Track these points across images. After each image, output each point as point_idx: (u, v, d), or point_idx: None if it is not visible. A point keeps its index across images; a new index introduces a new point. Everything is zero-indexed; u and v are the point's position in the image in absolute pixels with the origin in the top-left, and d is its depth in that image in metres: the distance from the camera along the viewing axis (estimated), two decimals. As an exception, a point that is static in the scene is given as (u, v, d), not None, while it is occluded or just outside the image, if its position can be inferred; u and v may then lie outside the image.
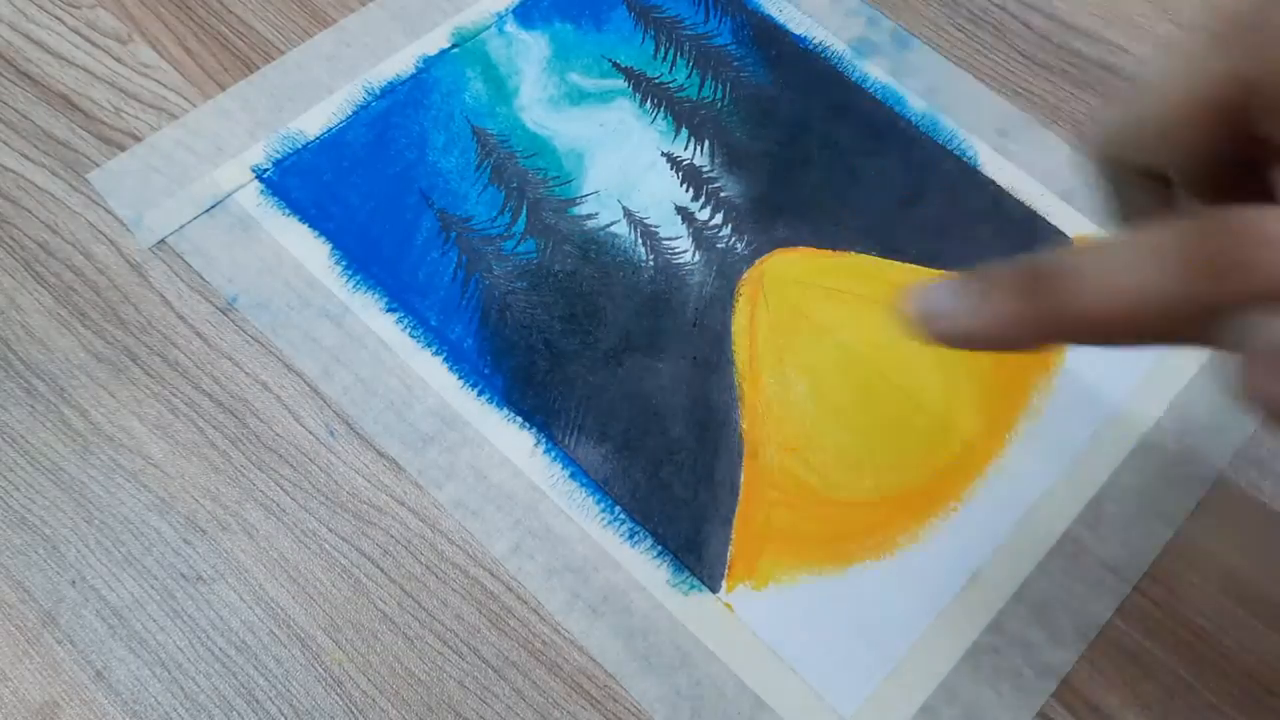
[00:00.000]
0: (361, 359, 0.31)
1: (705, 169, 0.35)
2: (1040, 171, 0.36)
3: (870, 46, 0.38)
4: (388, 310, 0.32)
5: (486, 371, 0.31)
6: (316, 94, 0.36)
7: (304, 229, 0.33)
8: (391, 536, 0.29)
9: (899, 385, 0.32)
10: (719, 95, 0.37)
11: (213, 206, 0.33)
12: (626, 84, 0.37)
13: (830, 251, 0.34)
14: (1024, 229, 0.35)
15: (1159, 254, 0.18)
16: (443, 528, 0.29)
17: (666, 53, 0.38)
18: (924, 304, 0.21)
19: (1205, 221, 0.17)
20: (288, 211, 0.33)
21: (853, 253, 0.34)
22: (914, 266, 0.34)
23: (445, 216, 0.34)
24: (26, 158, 0.34)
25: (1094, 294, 0.19)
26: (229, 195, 0.34)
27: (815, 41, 0.38)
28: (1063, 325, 0.19)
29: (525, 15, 0.38)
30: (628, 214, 0.34)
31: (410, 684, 0.27)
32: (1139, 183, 0.21)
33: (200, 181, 0.34)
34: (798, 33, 0.38)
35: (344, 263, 0.33)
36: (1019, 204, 0.35)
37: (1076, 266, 0.19)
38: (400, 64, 0.37)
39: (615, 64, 0.37)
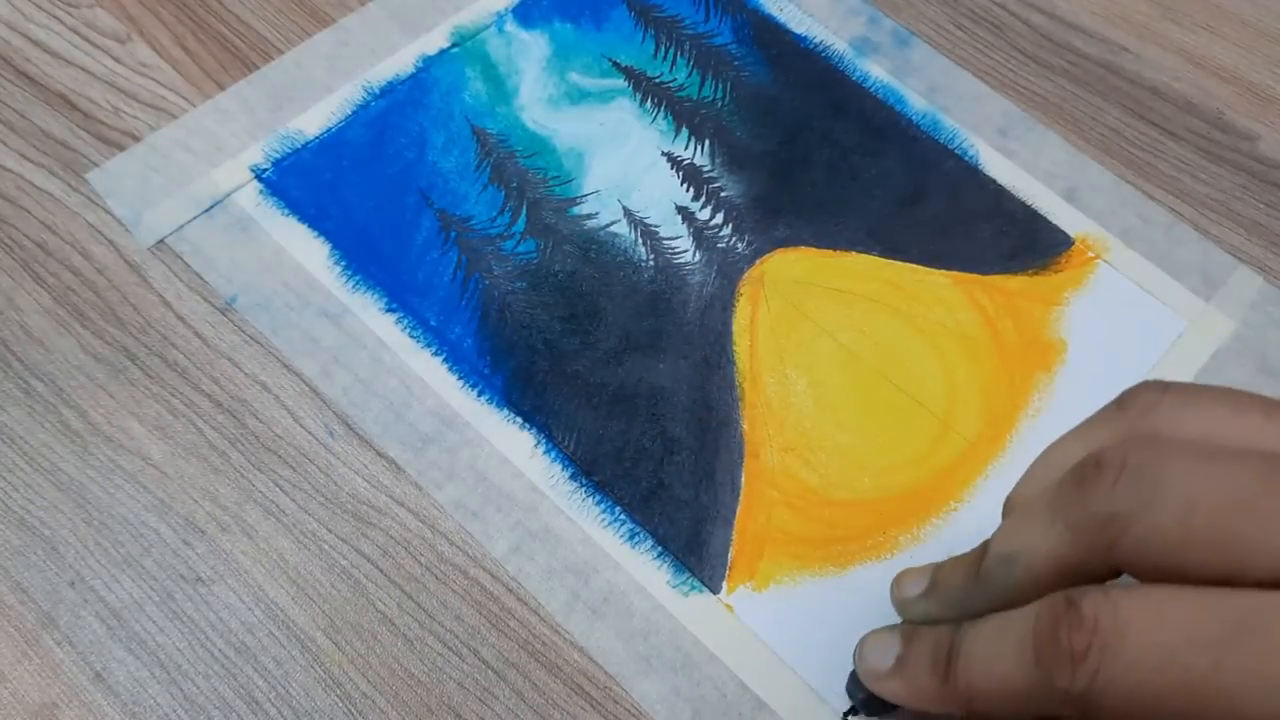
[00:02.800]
0: (361, 359, 0.31)
1: (705, 169, 0.35)
2: (1041, 170, 0.36)
3: (871, 45, 0.38)
4: (387, 310, 0.32)
5: (486, 372, 0.31)
6: (315, 94, 0.36)
7: (303, 229, 0.33)
8: (391, 537, 0.29)
9: (900, 385, 0.32)
10: (719, 95, 0.37)
11: (212, 206, 0.33)
12: (626, 83, 0.37)
13: (831, 251, 0.34)
14: (1024, 228, 0.35)
15: (1018, 639, 0.20)
16: (442, 529, 0.29)
17: (667, 52, 0.38)
18: (864, 663, 0.25)
19: (1050, 607, 0.20)
20: (287, 211, 0.33)
21: (853, 252, 0.34)
22: (914, 266, 0.34)
23: (445, 216, 0.34)
24: (25, 157, 0.34)
25: (976, 674, 0.22)
26: (228, 195, 0.34)
27: (816, 41, 0.38)
28: (960, 700, 0.22)
29: (525, 14, 0.38)
30: (628, 214, 0.34)
31: (410, 685, 0.27)
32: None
33: (199, 181, 0.34)
34: (798, 32, 0.38)
35: (343, 263, 0.33)
36: (1020, 203, 0.35)
37: (966, 648, 0.22)
38: (400, 64, 0.37)
39: (615, 63, 0.37)
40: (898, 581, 0.26)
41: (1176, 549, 0.19)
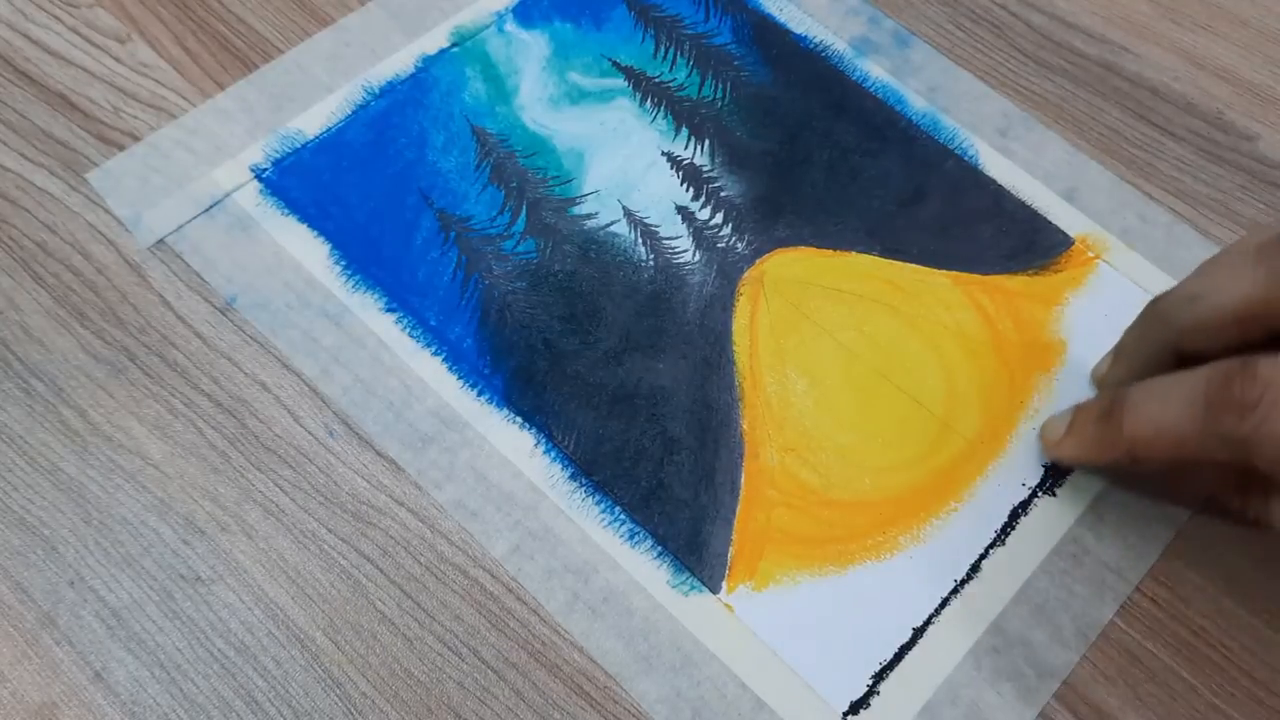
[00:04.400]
0: (361, 359, 0.31)
1: (705, 168, 0.35)
2: (1041, 170, 0.36)
3: (871, 45, 0.38)
4: (387, 310, 0.32)
5: (486, 371, 0.31)
6: (316, 93, 0.36)
7: (303, 229, 0.33)
8: (391, 537, 0.29)
9: (900, 385, 0.32)
10: (719, 94, 0.37)
11: (211, 206, 0.33)
12: (626, 83, 0.37)
13: (831, 251, 0.34)
14: (1025, 228, 0.35)
15: (1186, 391, 0.23)
16: (442, 528, 0.29)
17: (666, 52, 0.38)
18: (1044, 435, 0.30)
19: (1225, 367, 0.23)
20: (287, 211, 0.33)
21: (853, 252, 0.34)
22: (915, 266, 0.34)
23: (445, 216, 0.34)
24: (25, 157, 0.34)
25: (1141, 422, 0.25)
26: (228, 195, 0.34)
27: (816, 40, 0.38)
28: (1123, 447, 0.26)
29: (525, 14, 0.38)
30: (628, 214, 0.34)
31: (410, 685, 0.27)
32: (1166, 357, 0.26)
33: (199, 181, 0.34)
34: (798, 32, 0.38)
35: (343, 263, 0.33)
36: (1020, 203, 0.35)
37: (1133, 400, 0.25)
38: (399, 63, 0.37)
39: (615, 63, 0.37)
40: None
41: None
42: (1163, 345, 0.26)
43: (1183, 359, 0.25)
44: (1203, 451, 0.23)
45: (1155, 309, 0.26)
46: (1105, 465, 0.28)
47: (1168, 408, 0.24)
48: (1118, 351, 0.29)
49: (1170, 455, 0.24)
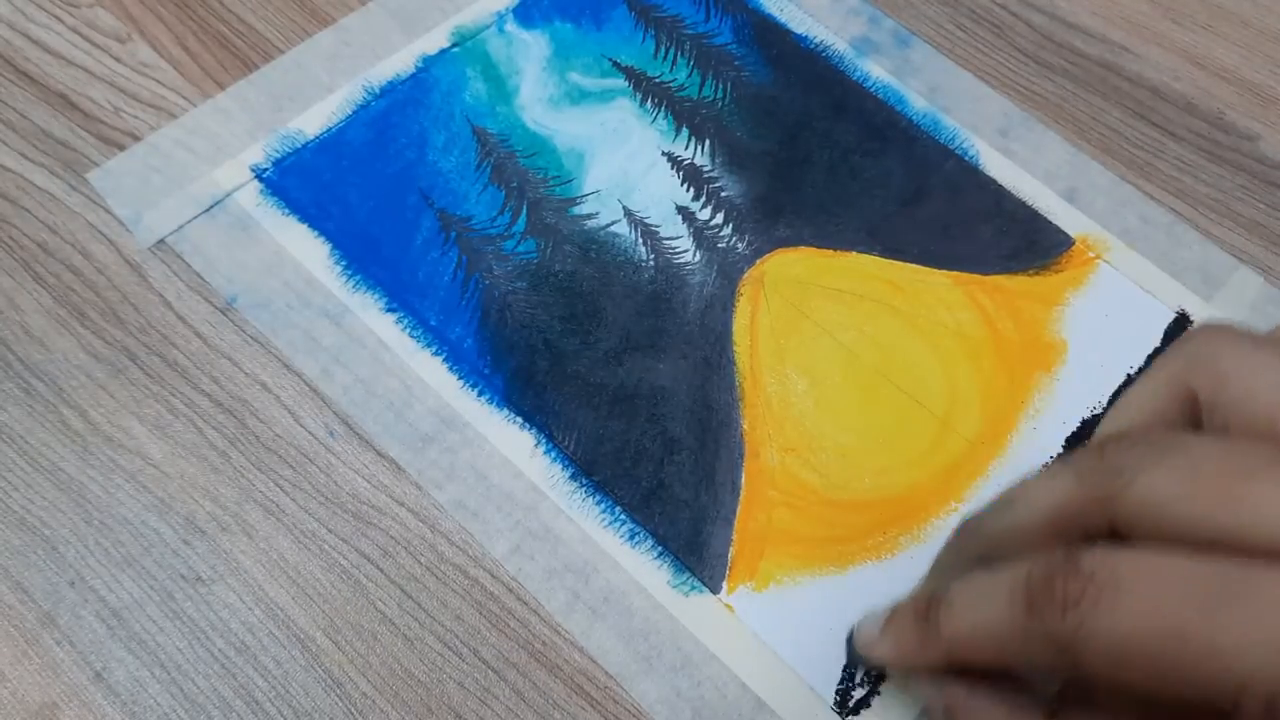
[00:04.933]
0: (361, 359, 0.31)
1: (706, 168, 0.35)
2: (1041, 171, 0.36)
3: (871, 45, 0.38)
4: (387, 310, 0.32)
5: (486, 371, 0.31)
6: (316, 93, 0.36)
7: (303, 229, 0.33)
8: (391, 537, 0.29)
9: (900, 385, 0.32)
10: (720, 94, 0.37)
11: (212, 206, 0.33)
12: (627, 83, 0.37)
13: (831, 251, 0.34)
14: (1025, 228, 0.35)
15: (1001, 588, 0.21)
16: (442, 528, 0.29)
17: (667, 52, 0.38)
18: (858, 636, 0.26)
19: (1046, 560, 0.20)
20: (287, 211, 0.33)
21: (854, 252, 0.34)
22: (915, 266, 0.34)
23: (445, 216, 0.34)
24: (25, 157, 0.34)
25: (959, 621, 0.22)
26: (228, 195, 0.34)
27: (816, 40, 0.38)
28: (941, 647, 0.23)
29: (525, 14, 0.38)
30: (628, 214, 0.34)
31: (410, 685, 0.27)
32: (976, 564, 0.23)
33: (200, 181, 0.34)
34: (798, 32, 0.38)
35: (344, 263, 0.33)
36: (1020, 203, 0.35)
37: (950, 597, 0.23)
38: (400, 63, 0.37)
39: (615, 63, 0.37)
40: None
41: (1175, 505, 0.19)
42: (975, 558, 0.23)
43: None
44: (1025, 653, 0.21)
45: (966, 523, 0.24)
46: (924, 668, 0.24)
47: (987, 604, 0.21)
48: (931, 570, 0.26)
49: (991, 658, 0.22)
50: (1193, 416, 0.22)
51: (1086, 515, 0.21)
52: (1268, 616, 0.18)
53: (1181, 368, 0.22)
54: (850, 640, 0.26)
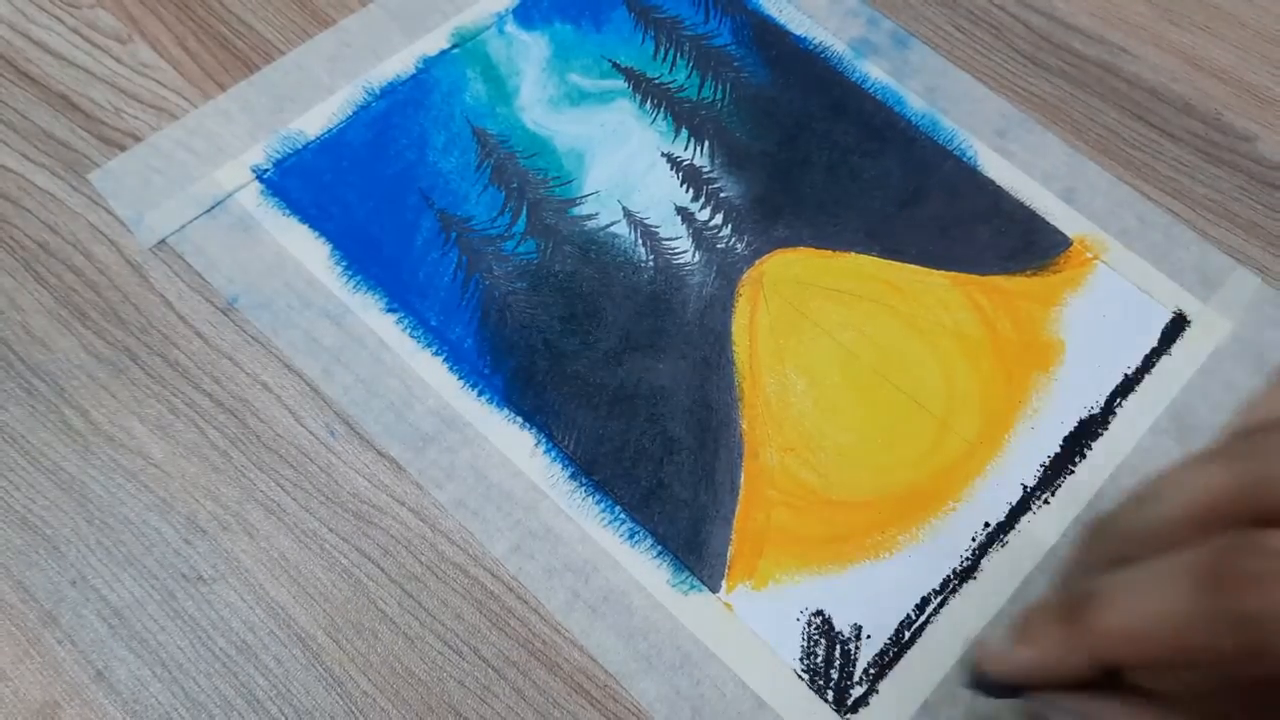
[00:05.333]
0: (362, 359, 0.31)
1: (705, 169, 0.35)
2: (1039, 171, 0.36)
3: (870, 47, 0.38)
4: (388, 310, 0.32)
5: (486, 371, 0.31)
6: (316, 94, 0.36)
7: (304, 229, 0.33)
8: (392, 536, 0.29)
9: (899, 385, 0.32)
10: (719, 95, 0.37)
11: (213, 207, 0.33)
12: (626, 84, 0.37)
13: (830, 251, 0.34)
14: (1023, 228, 0.35)
15: (1175, 574, 0.20)
16: (443, 528, 0.29)
17: (666, 53, 0.38)
18: (987, 658, 0.23)
19: (1222, 542, 0.19)
20: (288, 212, 0.34)
21: (852, 253, 0.34)
22: (913, 266, 0.34)
23: (445, 217, 0.34)
24: (27, 158, 0.34)
25: (1120, 614, 0.20)
26: (229, 195, 0.34)
27: (815, 42, 0.38)
28: (1094, 648, 0.21)
29: (525, 16, 0.38)
30: (628, 214, 0.34)
31: (410, 683, 0.27)
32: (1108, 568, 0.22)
33: (200, 182, 0.34)
34: (797, 33, 0.38)
35: (344, 263, 0.33)
36: (1018, 204, 0.35)
37: (1105, 591, 0.21)
38: (400, 64, 0.37)
39: (615, 64, 0.37)
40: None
41: None
42: (1112, 559, 0.22)
43: None
44: (1206, 638, 0.19)
45: (1098, 522, 0.23)
46: (1067, 679, 0.22)
47: (1153, 593, 0.20)
48: (1061, 582, 0.24)
49: (1159, 651, 0.20)
50: None
51: (1240, 505, 0.20)
52: None
53: None
54: (975, 665, 0.24)
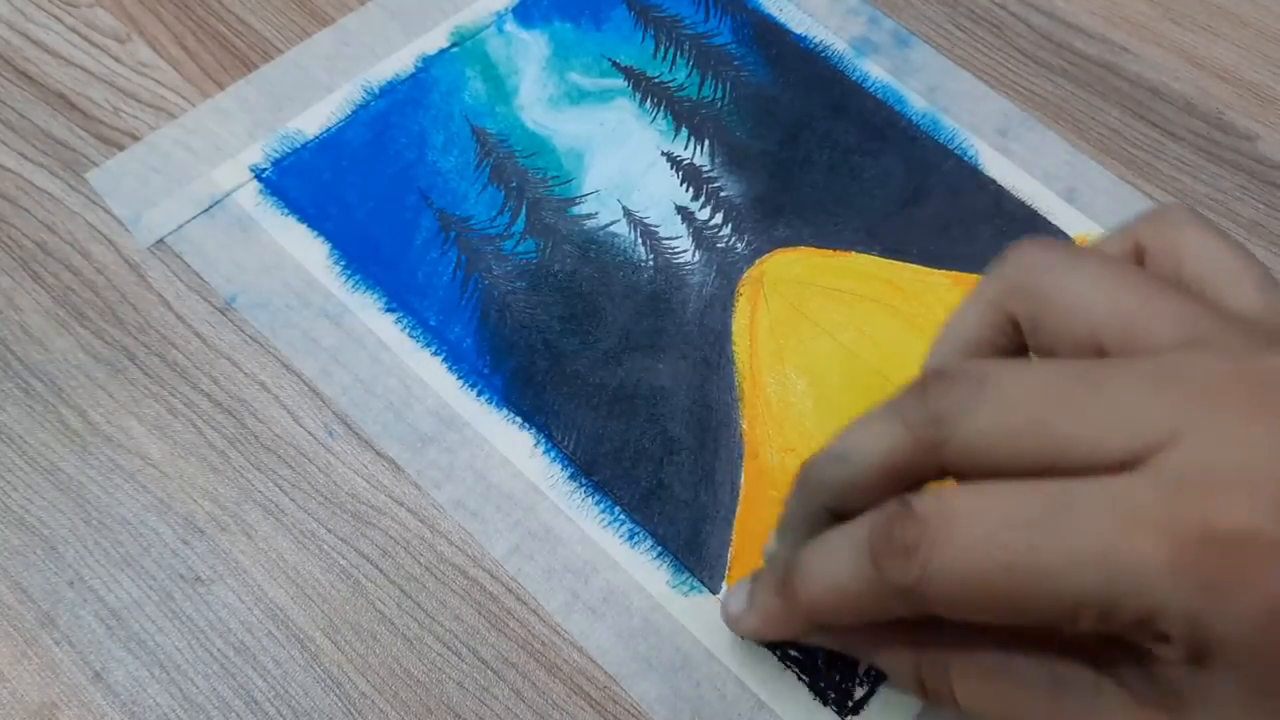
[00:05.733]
0: (360, 359, 0.31)
1: (705, 168, 0.35)
2: (1041, 171, 0.36)
3: (870, 45, 0.38)
4: (387, 310, 0.32)
5: (486, 371, 0.31)
6: (315, 93, 0.36)
7: (303, 229, 0.33)
8: (390, 537, 0.29)
9: (900, 385, 0.32)
10: (719, 94, 0.37)
11: (211, 206, 0.33)
12: (626, 83, 0.37)
13: (831, 251, 0.34)
14: (1024, 228, 0.35)
15: (847, 543, 0.21)
16: (442, 528, 0.29)
17: (666, 52, 0.38)
18: (725, 611, 0.27)
19: (886, 510, 0.20)
20: (286, 211, 0.33)
21: (853, 252, 0.34)
22: (914, 266, 0.34)
23: (444, 216, 0.34)
24: (24, 157, 0.34)
25: (814, 585, 0.22)
26: (228, 195, 0.34)
27: (815, 40, 0.38)
28: (802, 615, 0.23)
29: (525, 14, 0.38)
30: (628, 214, 0.34)
31: (409, 685, 0.27)
32: (826, 522, 0.23)
33: (199, 181, 0.34)
34: (798, 32, 0.38)
35: (343, 262, 0.33)
36: (1020, 203, 0.35)
37: (803, 563, 0.22)
38: (399, 63, 0.37)
39: (615, 63, 0.37)
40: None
41: (998, 444, 0.19)
42: (819, 510, 0.23)
43: (842, 520, 0.23)
44: (878, 609, 0.21)
45: (805, 473, 0.24)
46: (792, 638, 0.25)
47: (836, 563, 0.21)
48: (780, 524, 0.25)
49: (851, 619, 0.22)
50: (1016, 340, 0.22)
51: (918, 463, 0.21)
52: (1088, 528, 0.18)
53: (1000, 291, 0.22)
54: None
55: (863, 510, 0.21)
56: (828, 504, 0.23)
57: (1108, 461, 0.18)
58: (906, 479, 0.21)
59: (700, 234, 0.34)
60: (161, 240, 0.33)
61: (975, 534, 0.19)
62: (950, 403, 0.20)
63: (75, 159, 0.34)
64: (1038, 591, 0.18)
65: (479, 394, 0.31)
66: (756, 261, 0.34)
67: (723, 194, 0.35)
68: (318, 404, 0.31)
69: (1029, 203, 0.35)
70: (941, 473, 0.21)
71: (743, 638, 0.27)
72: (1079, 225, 0.35)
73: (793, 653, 0.28)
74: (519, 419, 0.31)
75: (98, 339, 0.31)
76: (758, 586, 0.25)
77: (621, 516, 0.29)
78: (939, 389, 0.20)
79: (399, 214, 0.34)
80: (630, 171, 0.35)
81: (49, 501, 0.29)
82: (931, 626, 0.22)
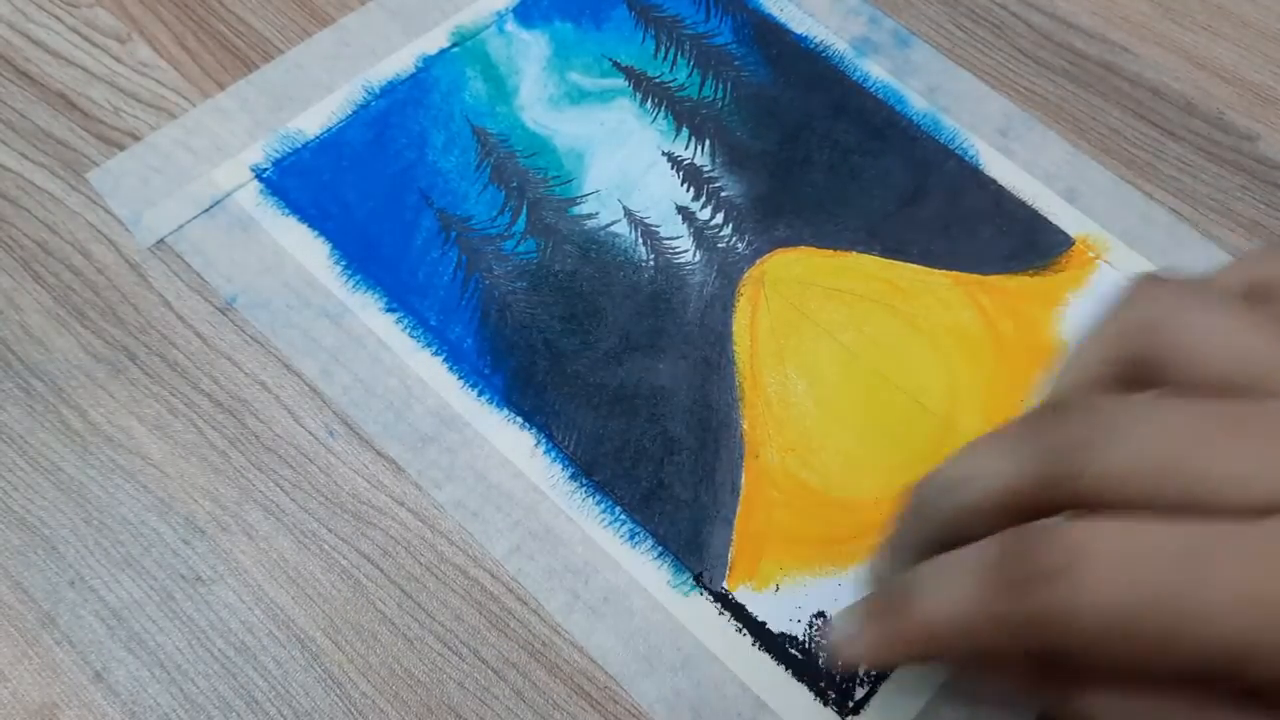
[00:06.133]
0: (361, 359, 0.31)
1: (706, 168, 0.35)
2: (1041, 170, 0.36)
3: (871, 45, 0.38)
4: (387, 310, 0.32)
5: (486, 371, 0.31)
6: (316, 93, 0.36)
7: (303, 229, 0.33)
8: (391, 537, 0.29)
9: (900, 385, 0.32)
10: (720, 94, 0.37)
11: (212, 206, 0.33)
12: (627, 83, 0.37)
13: (831, 251, 0.34)
14: (1025, 228, 0.35)
15: (966, 572, 0.20)
16: (442, 528, 0.29)
17: (667, 52, 0.38)
18: (834, 644, 0.24)
19: (1021, 533, 0.19)
20: (287, 211, 0.33)
21: (854, 252, 0.34)
22: (914, 266, 0.34)
23: (445, 216, 0.34)
24: (25, 157, 0.34)
25: (932, 611, 0.20)
26: (228, 195, 0.34)
27: (816, 40, 0.38)
28: (918, 642, 0.21)
29: (525, 14, 0.38)
30: (628, 214, 0.34)
31: (410, 685, 0.27)
32: (935, 551, 0.22)
33: (199, 181, 0.34)
34: (798, 32, 0.38)
35: (343, 262, 0.33)
36: (1020, 203, 0.35)
37: (918, 587, 0.21)
38: (400, 63, 0.37)
39: (615, 63, 0.37)
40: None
41: (1134, 480, 0.19)
42: (931, 535, 0.22)
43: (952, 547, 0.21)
44: (1002, 642, 0.19)
45: (919, 495, 0.23)
46: (902, 664, 0.24)
47: (958, 588, 0.20)
48: (889, 545, 0.24)
49: (961, 652, 0.21)
50: (1139, 378, 0.21)
51: (1042, 495, 0.20)
52: (1256, 571, 0.17)
53: (1124, 329, 0.22)
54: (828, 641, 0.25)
55: (974, 539, 0.20)
56: (940, 530, 0.22)
57: (1252, 505, 0.17)
58: (1026, 510, 0.20)
59: (701, 234, 0.34)
60: (162, 240, 0.33)
61: (1124, 565, 0.18)
62: (1083, 435, 0.19)
63: (76, 159, 0.34)
64: (1196, 631, 0.17)
65: (479, 394, 0.31)
66: (757, 261, 0.34)
67: (723, 194, 0.35)
68: (318, 404, 0.31)
69: (1029, 203, 0.35)
70: (1060, 507, 0.20)
71: (851, 666, 0.26)
72: (1079, 225, 0.35)
73: (793, 652, 0.28)
74: (519, 419, 0.31)
75: (98, 339, 0.31)
76: (868, 611, 0.23)
77: (622, 516, 0.29)
78: (1070, 420, 0.20)
79: (399, 214, 0.34)
80: (631, 171, 0.35)
81: (50, 501, 0.29)
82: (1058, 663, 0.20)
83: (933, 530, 0.22)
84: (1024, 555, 0.19)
